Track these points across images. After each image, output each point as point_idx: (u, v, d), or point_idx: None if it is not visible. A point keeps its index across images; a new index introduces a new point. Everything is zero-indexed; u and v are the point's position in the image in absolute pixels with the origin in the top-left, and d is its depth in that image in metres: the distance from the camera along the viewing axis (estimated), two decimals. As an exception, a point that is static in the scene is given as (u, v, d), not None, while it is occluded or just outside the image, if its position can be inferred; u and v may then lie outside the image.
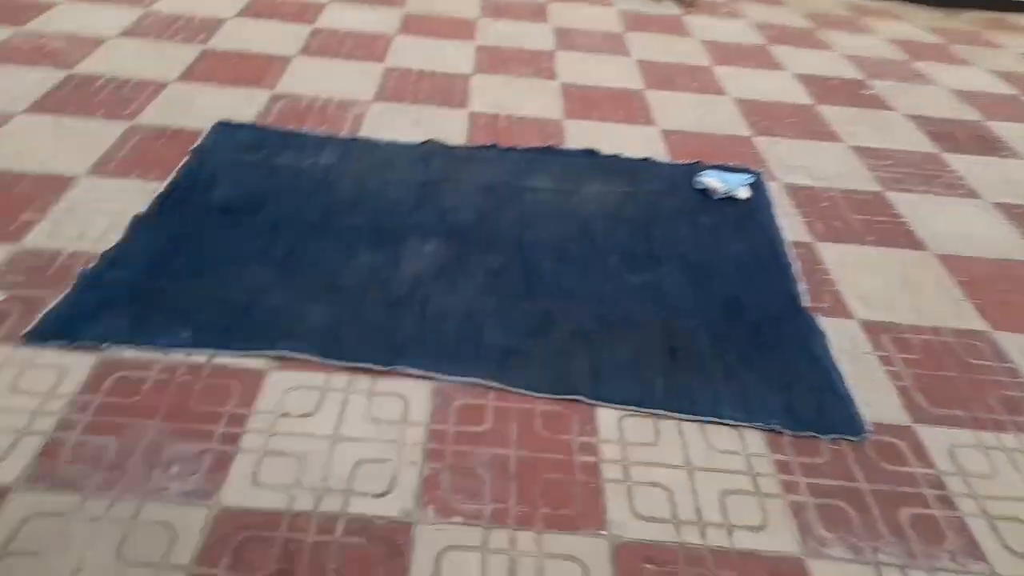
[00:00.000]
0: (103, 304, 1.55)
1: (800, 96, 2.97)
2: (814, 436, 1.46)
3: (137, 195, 1.90)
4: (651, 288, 1.81)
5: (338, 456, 1.33)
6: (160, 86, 2.45)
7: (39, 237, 1.74)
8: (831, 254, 2.01)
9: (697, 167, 2.36)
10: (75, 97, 2.34)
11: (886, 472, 1.41)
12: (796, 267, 1.93)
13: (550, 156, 2.34)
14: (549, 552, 1.21)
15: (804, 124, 2.74)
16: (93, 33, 2.76)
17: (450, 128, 2.42)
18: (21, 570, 1.09)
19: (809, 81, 3.12)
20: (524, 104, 2.64)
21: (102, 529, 1.15)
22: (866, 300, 1.85)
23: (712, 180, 2.27)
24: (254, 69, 2.64)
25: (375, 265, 1.77)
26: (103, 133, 2.17)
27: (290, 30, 3.00)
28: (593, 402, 1.48)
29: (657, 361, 1.59)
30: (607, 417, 1.46)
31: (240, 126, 2.27)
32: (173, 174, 2.00)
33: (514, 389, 1.49)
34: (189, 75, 2.54)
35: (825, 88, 3.07)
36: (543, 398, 1.48)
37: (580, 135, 2.48)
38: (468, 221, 1.97)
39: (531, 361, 1.56)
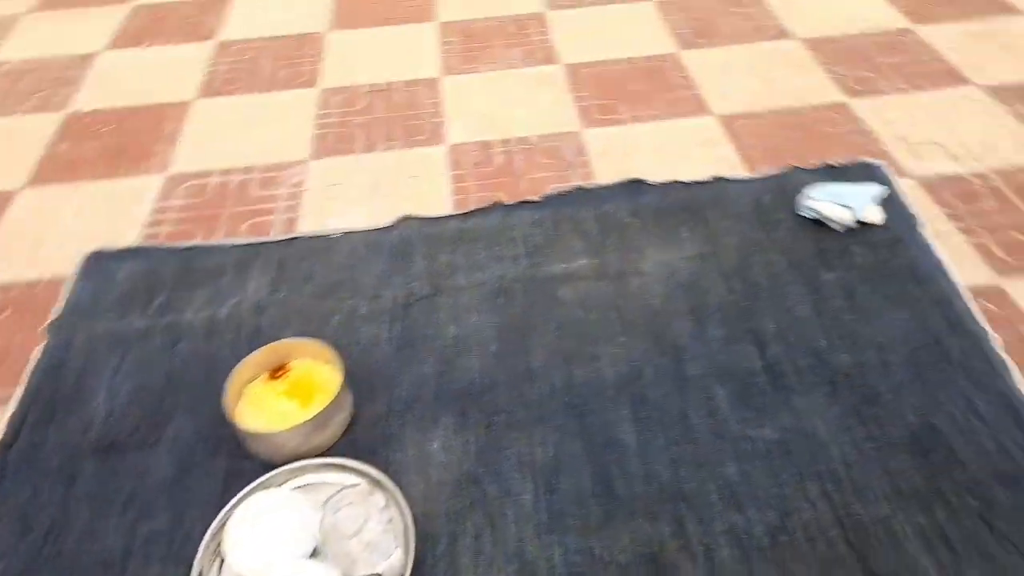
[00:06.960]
0: None
1: (889, 15, 2.18)
2: None
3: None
4: (785, 449, 1.09)
5: None
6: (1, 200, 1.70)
7: None
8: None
9: (795, 179, 1.63)
10: None
11: None
12: (995, 344, 1.24)
13: (579, 205, 1.60)
14: None
15: (911, 62, 1.98)
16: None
17: (427, 184, 1.70)
18: None
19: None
20: (522, 114, 1.90)
21: None
22: None
23: (827, 203, 1.54)
24: (137, 135, 1.89)
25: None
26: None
27: (185, 56, 2.22)
28: None
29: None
30: None
31: (122, 254, 1.51)
32: (20, 389, 1.27)
33: None
34: (41, 174, 1.79)
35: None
36: None
37: (610, 152, 1.75)
38: (481, 372, 1.20)
39: None
